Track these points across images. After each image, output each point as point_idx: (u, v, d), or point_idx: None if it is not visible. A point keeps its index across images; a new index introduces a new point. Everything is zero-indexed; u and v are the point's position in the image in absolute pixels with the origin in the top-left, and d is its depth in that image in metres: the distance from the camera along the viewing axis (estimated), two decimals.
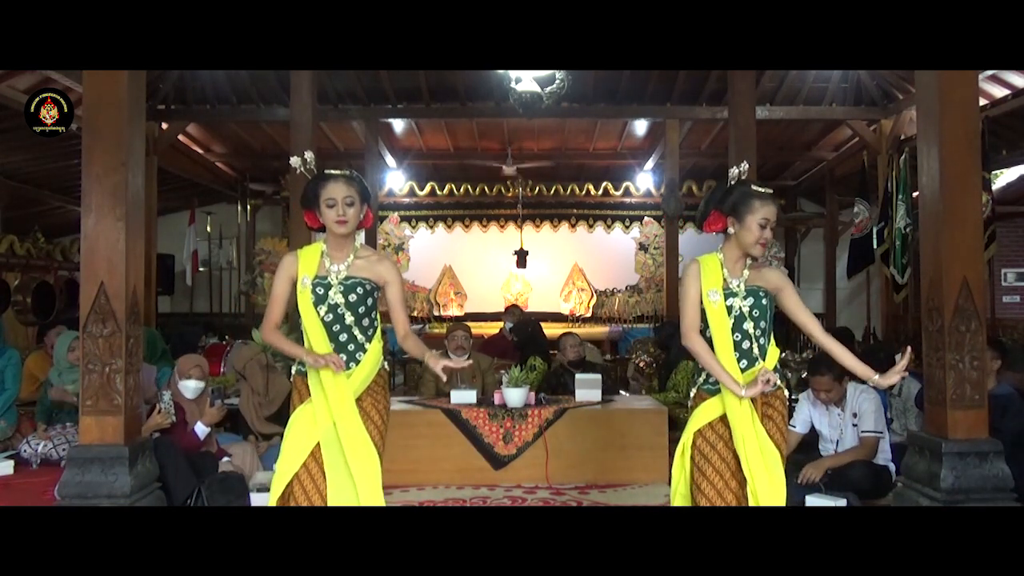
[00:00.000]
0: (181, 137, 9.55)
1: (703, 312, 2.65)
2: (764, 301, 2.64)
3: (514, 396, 4.87)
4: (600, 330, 10.38)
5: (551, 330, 7.67)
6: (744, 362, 2.62)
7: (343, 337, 2.69)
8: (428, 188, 10.94)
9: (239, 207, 11.90)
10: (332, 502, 2.56)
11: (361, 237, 4.12)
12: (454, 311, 10.82)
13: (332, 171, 2.72)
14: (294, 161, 2.78)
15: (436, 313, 10.84)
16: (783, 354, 2.94)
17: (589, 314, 10.85)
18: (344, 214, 2.65)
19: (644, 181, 10.92)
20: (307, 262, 2.72)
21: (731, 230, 2.64)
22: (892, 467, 4.05)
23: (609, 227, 11.10)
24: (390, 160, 10.62)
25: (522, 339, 6.74)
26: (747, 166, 2.75)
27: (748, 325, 2.62)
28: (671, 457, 2.85)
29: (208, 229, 11.72)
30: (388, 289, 2.79)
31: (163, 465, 3.75)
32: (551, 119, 9.07)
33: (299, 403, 2.70)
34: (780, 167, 11.69)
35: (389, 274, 2.79)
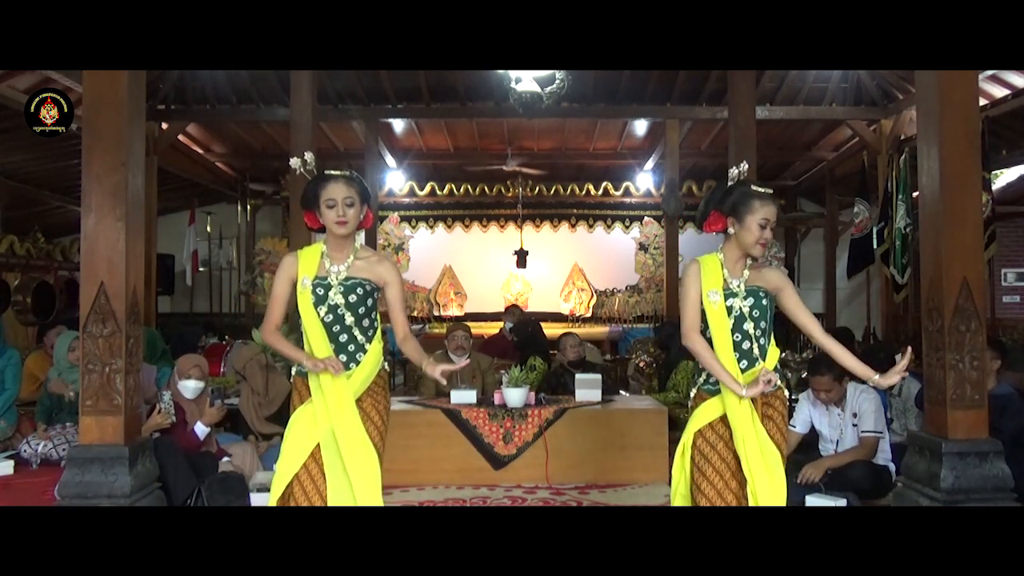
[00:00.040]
0: (181, 137, 9.56)
1: (703, 312, 2.65)
2: (764, 301, 2.64)
3: (514, 396, 4.87)
4: (600, 330, 10.38)
5: (551, 330, 7.67)
6: (744, 362, 2.62)
7: (343, 338, 2.69)
8: (428, 188, 10.95)
9: (239, 207, 11.91)
10: (332, 503, 2.56)
11: (361, 237, 4.12)
12: (454, 311, 10.82)
13: (332, 172, 2.72)
14: (294, 162, 2.78)
15: (436, 313, 10.84)
16: (783, 354, 2.94)
17: (589, 314, 10.85)
18: (344, 215, 2.65)
19: (644, 181, 10.92)
20: (307, 263, 2.72)
21: (731, 230, 2.64)
22: (892, 467, 4.05)
23: (609, 227, 11.10)
24: (390, 160, 10.62)
25: (522, 339, 6.74)
26: (747, 166, 2.75)
27: (748, 325, 2.62)
28: (671, 457, 2.85)
29: (208, 229, 11.72)
30: (388, 290, 2.79)
31: (163, 465, 3.75)
32: (551, 119, 9.07)
33: (299, 403, 2.70)
34: (780, 167, 11.69)
35: (389, 275, 2.78)
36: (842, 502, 3.74)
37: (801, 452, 4.17)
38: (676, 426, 4.68)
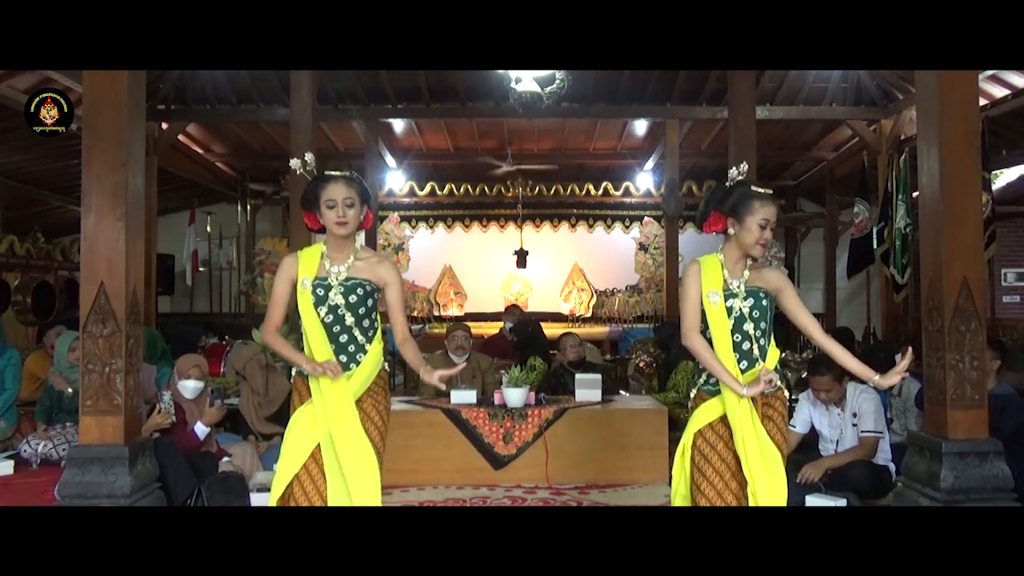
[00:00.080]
0: (181, 137, 9.56)
1: (703, 313, 2.65)
2: (764, 302, 2.64)
3: (514, 396, 4.87)
4: (600, 330, 10.38)
5: (551, 330, 7.67)
6: (744, 363, 2.62)
7: (343, 338, 2.69)
8: (428, 188, 10.95)
9: (239, 207, 11.91)
10: (332, 503, 2.56)
11: (361, 238, 4.12)
12: (454, 311, 10.82)
13: (332, 172, 2.72)
14: (294, 163, 2.78)
15: (436, 313, 10.85)
16: (783, 354, 2.94)
17: (589, 314, 10.86)
18: (344, 215, 2.65)
19: (644, 181, 10.92)
20: (307, 263, 2.72)
21: (731, 231, 2.64)
22: (892, 467, 4.05)
23: (609, 227, 11.10)
24: (390, 160, 10.62)
25: (522, 339, 6.74)
26: (747, 167, 2.75)
27: (748, 326, 2.62)
28: (671, 457, 2.85)
29: (208, 229, 11.72)
30: (388, 291, 2.78)
31: (163, 465, 3.75)
32: (551, 119, 9.08)
33: (299, 404, 2.70)
34: (780, 167, 11.69)
35: (389, 275, 2.78)
36: (842, 502, 3.74)
37: (801, 452, 4.17)
38: (676, 426, 4.68)
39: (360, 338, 2.70)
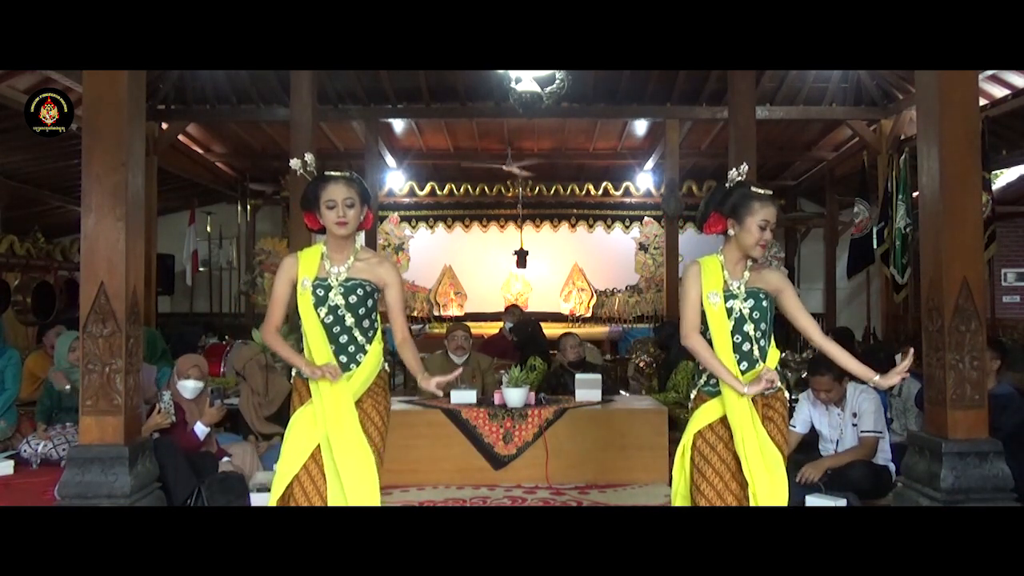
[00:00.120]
0: (181, 137, 9.56)
1: (703, 313, 2.65)
2: (764, 303, 2.64)
3: (514, 396, 4.87)
4: (600, 330, 10.38)
5: (551, 330, 7.68)
6: (744, 364, 2.62)
7: (343, 339, 2.68)
8: (428, 188, 10.95)
9: (239, 207, 11.91)
10: (332, 503, 2.56)
11: (361, 238, 4.12)
12: (454, 311, 10.82)
13: (332, 173, 2.71)
14: (294, 163, 2.78)
15: (436, 313, 10.85)
16: (783, 354, 2.94)
17: (589, 314, 10.86)
18: (344, 216, 2.65)
19: (644, 181, 10.92)
20: (307, 264, 2.72)
21: (731, 232, 2.64)
22: (892, 467, 4.05)
23: (609, 227, 11.10)
24: (390, 160, 10.62)
25: (522, 339, 6.74)
26: (747, 168, 2.75)
27: (748, 327, 2.62)
28: (671, 457, 2.85)
29: (208, 229, 11.72)
30: (388, 292, 2.78)
31: (163, 465, 3.75)
32: (551, 119, 9.07)
33: (299, 404, 2.70)
34: (780, 167, 11.69)
35: (389, 276, 2.78)
36: (842, 502, 3.74)
37: (801, 452, 4.17)
38: (676, 426, 4.69)
39: (360, 338, 2.70)
